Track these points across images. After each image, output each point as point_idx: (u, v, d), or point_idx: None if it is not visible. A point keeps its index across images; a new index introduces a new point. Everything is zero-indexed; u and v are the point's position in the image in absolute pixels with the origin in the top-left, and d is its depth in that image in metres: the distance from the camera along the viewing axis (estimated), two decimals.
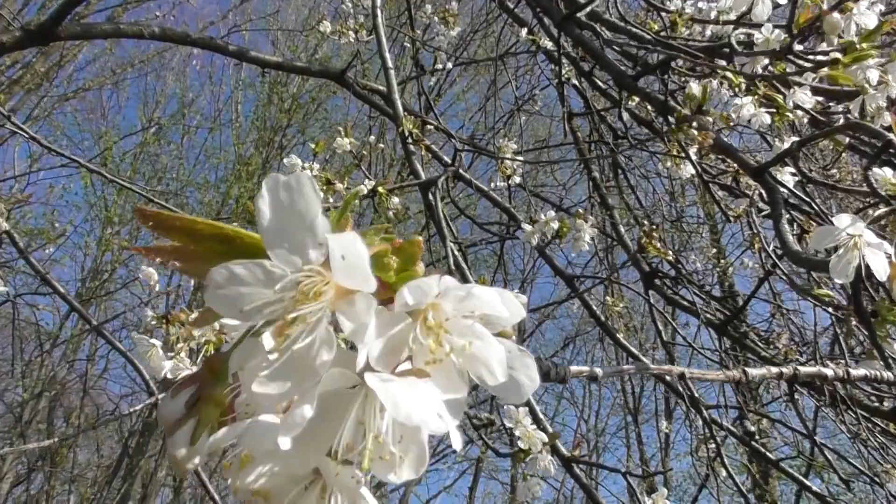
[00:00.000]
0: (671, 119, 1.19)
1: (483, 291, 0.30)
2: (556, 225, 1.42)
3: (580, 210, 1.50)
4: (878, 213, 0.70)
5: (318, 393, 0.28)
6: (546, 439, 0.91)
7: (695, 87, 1.14)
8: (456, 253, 1.45)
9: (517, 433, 0.94)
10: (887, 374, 0.55)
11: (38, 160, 7.45)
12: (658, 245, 1.42)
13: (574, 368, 0.50)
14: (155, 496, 6.84)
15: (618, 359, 7.51)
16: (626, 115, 1.73)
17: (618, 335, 1.73)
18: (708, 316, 1.48)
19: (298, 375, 0.28)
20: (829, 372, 0.53)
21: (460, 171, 2.21)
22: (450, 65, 3.32)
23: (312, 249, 0.29)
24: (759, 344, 1.43)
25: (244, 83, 8.77)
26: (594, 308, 1.84)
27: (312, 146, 1.53)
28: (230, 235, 0.33)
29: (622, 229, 1.89)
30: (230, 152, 8.34)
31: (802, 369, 0.52)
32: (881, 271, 0.55)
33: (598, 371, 0.50)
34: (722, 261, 3.66)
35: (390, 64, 2.13)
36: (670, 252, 1.55)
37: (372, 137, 2.01)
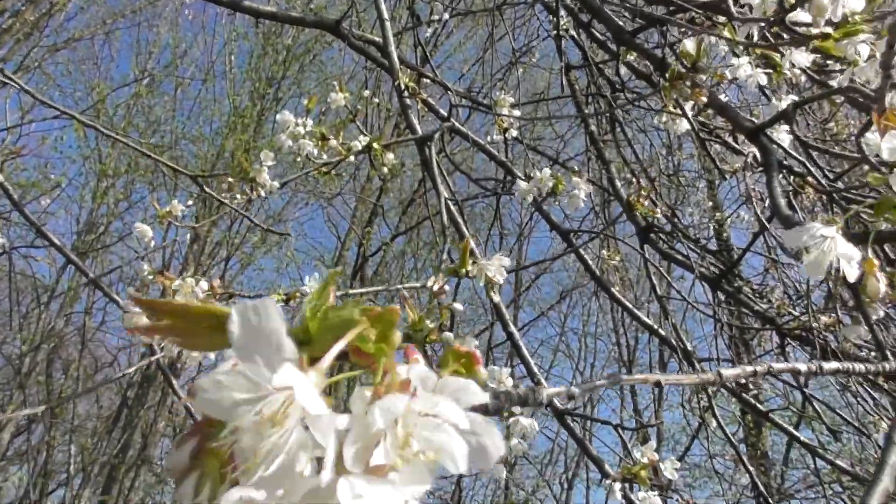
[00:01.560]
0: (667, 75, 1.18)
1: (449, 410, 0.32)
2: (551, 182, 1.42)
3: (576, 167, 1.50)
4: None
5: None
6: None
7: (689, 44, 1.13)
8: (452, 208, 1.45)
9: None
10: (859, 367, 0.56)
11: (30, 112, 7.37)
12: (646, 203, 1.43)
13: (550, 391, 0.51)
14: (155, 446, 6.95)
15: (612, 312, 7.57)
16: (623, 70, 1.71)
17: (613, 289, 1.74)
18: (702, 270, 1.49)
19: (279, 480, 0.31)
20: (802, 367, 0.54)
21: (457, 125, 2.19)
22: (446, 15, 3.26)
23: (279, 367, 0.32)
24: (753, 298, 1.44)
25: (238, 33, 8.62)
26: (590, 262, 1.85)
27: (305, 102, 1.51)
28: (220, 313, 0.36)
29: (618, 183, 1.88)
30: (224, 104, 8.26)
31: (776, 366, 0.53)
32: (851, 275, 0.57)
33: (575, 391, 0.51)
34: (718, 214, 3.66)
35: (386, 15, 2.09)
36: (659, 210, 1.55)
37: (367, 92, 1.98)
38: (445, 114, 2.23)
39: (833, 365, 0.54)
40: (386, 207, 8.02)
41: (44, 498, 6.54)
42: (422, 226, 7.18)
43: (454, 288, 1.06)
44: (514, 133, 1.89)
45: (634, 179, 2.73)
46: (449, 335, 0.93)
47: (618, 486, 0.98)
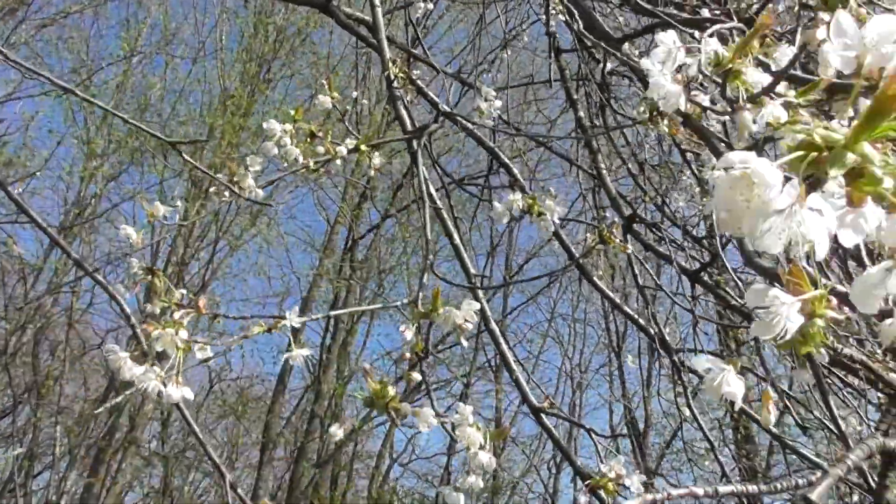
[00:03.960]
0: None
1: None
2: (521, 203, 1.42)
3: (550, 190, 1.48)
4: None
5: None
6: (482, 441, 0.93)
7: None
8: (438, 202, 1.44)
9: (457, 431, 0.94)
10: (752, 488, 0.58)
11: (17, 90, 7.28)
12: (618, 241, 1.43)
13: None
14: (142, 429, 6.94)
15: (602, 299, 7.56)
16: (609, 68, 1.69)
17: (595, 277, 1.72)
18: (680, 263, 1.47)
19: None
20: (699, 491, 0.57)
21: (448, 108, 2.16)
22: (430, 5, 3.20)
23: None
24: (731, 292, 1.42)
25: (229, 12, 8.51)
26: (573, 250, 1.83)
27: (292, 112, 1.49)
28: None
29: (604, 171, 1.86)
30: (214, 85, 8.17)
31: (673, 492, 0.56)
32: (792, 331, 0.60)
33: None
34: (706, 199, 3.63)
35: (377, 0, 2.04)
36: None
37: (355, 93, 1.95)
38: (436, 99, 2.20)
39: (728, 488, 0.56)
40: (378, 190, 7.98)
41: (29, 480, 6.51)
42: (411, 208, 7.14)
43: (427, 329, 1.05)
44: (496, 115, 1.87)
45: (624, 164, 2.70)
46: (406, 406, 0.93)
47: (584, 499, 0.97)
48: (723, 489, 0.55)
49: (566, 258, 1.96)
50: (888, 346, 0.65)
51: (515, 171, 1.72)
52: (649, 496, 0.51)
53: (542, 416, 1.12)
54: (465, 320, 1.03)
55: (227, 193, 1.53)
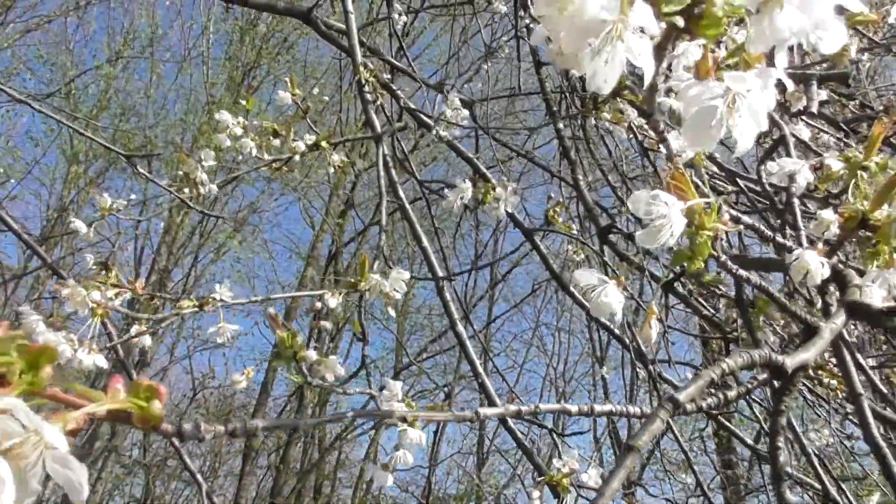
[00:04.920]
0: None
1: None
2: (469, 192, 1.44)
3: (503, 179, 1.50)
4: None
5: None
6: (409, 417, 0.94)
7: None
8: (403, 198, 1.46)
9: (385, 407, 0.96)
10: (633, 409, 0.60)
11: None
12: (561, 220, 1.45)
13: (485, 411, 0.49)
14: (123, 437, 6.88)
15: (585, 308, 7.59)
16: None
17: (572, 287, 1.74)
18: (654, 273, 1.49)
19: None
20: (572, 409, 0.58)
21: (426, 119, 2.18)
22: (404, 18, 3.21)
23: None
24: (703, 302, 1.45)
25: (215, 18, 8.51)
26: (550, 261, 1.85)
27: (244, 103, 1.50)
28: None
29: (581, 182, 1.88)
30: (200, 92, 8.15)
31: (543, 406, 0.57)
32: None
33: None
34: None
35: (350, 7, 2.07)
36: (573, 226, 1.59)
37: (315, 90, 1.96)
38: (408, 102, 2.22)
39: (606, 407, 0.57)
40: (361, 199, 7.98)
41: None
42: (394, 216, 7.15)
43: (358, 300, 1.06)
44: (457, 133, 1.90)
45: (604, 176, 2.73)
46: (311, 353, 0.94)
47: (536, 493, 0.98)
48: (599, 408, 0.56)
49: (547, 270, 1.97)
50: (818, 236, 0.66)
51: (479, 164, 1.73)
52: (512, 407, 0.52)
53: (508, 420, 1.14)
54: (394, 289, 1.05)
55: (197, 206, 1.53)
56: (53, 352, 0.37)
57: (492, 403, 1.15)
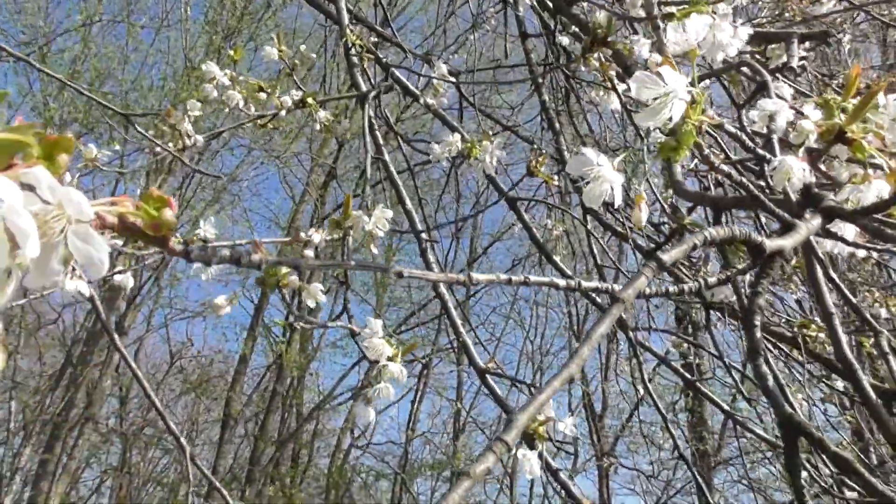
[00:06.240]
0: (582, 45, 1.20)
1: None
2: (459, 145, 1.44)
3: (487, 132, 1.51)
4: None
5: None
6: (390, 353, 0.96)
7: (601, 16, 1.14)
8: (386, 156, 1.47)
9: (365, 343, 0.98)
10: (588, 284, 0.62)
11: None
12: (544, 170, 1.46)
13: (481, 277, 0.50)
14: (100, 406, 6.85)
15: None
16: (566, 41, 1.71)
17: (556, 258, 1.76)
18: (637, 242, 1.51)
19: None
20: (561, 283, 0.59)
21: (412, 87, 2.17)
22: None
23: None
24: (685, 271, 1.47)
25: None
26: (534, 231, 1.86)
27: (231, 52, 1.48)
28: None
29: (566, 155, 1.89)
30: (178, 57, 8.02)
31: (533, 279, 0.58)
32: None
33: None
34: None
35: None
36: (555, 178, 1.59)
37: (304, 46, 1.94)
38: (393, 68, 2.21)
39: (592, 284, 0.59)
40: (344, 169, 7.94)
41: None
42: (377, 189, 7.11)
43: (342, 240, 1.08)
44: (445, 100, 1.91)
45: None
46: (294, 279, 0.96)
47: (523, 451, 1.00)
48: (586, 284, 0.57)
49: (528, 242, 1.98)
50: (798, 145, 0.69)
51: (454, 122, 1.74)
52: (503, 275, 0.53)
53: (487, 376, 1.16)
54: (377, 227, 1.06)
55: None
56: (70, 142, 0.36)
57: (471, 362, 1.17)
